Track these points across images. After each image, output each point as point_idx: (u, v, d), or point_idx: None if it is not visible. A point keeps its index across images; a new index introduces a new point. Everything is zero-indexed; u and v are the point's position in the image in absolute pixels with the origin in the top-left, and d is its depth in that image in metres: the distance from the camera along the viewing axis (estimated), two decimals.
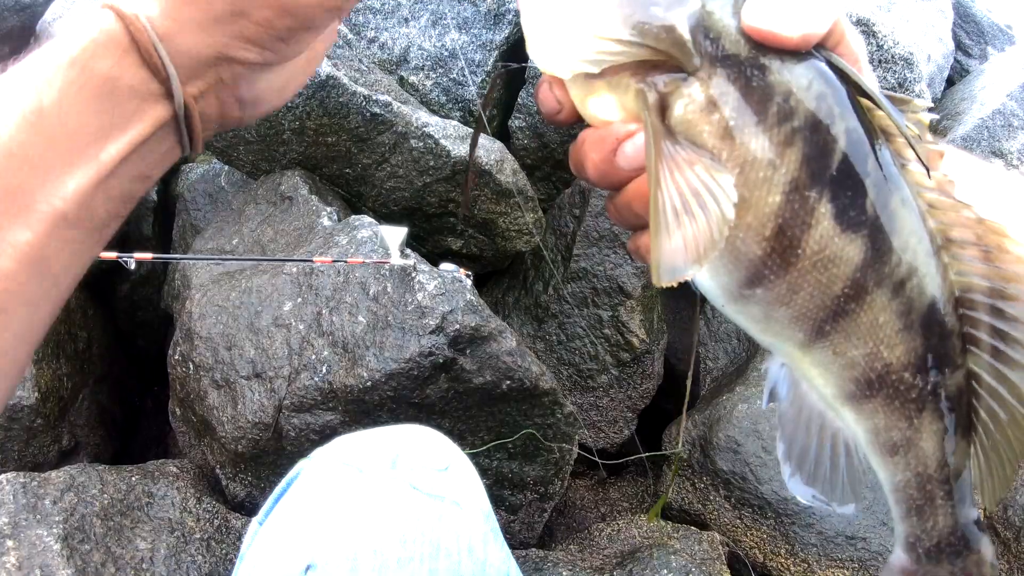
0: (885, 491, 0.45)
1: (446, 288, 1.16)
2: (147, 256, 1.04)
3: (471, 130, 1.59)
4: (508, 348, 1.16)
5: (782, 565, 1.40)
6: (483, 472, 1.29)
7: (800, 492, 0.45)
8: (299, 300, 1.28)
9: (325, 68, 1.49)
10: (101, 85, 0.39)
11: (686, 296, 1.97)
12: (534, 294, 1.73)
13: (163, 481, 1.26)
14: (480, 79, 1.87)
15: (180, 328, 1.39)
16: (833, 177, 0.35)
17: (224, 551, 1.21)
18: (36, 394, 1.41)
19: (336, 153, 1.58)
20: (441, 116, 1.81)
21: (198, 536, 1.20)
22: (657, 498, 1.53)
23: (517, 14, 1.90)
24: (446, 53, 1.88)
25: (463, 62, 1.87)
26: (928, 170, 0.36)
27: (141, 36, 0.38)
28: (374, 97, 1.52)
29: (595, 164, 0.40)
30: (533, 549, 1.33)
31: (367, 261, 1.16)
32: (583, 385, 1.68)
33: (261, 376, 1.25)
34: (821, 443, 0.44)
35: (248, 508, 1.33)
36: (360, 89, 1.52)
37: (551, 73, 0.39)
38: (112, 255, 1.03)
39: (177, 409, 1.42)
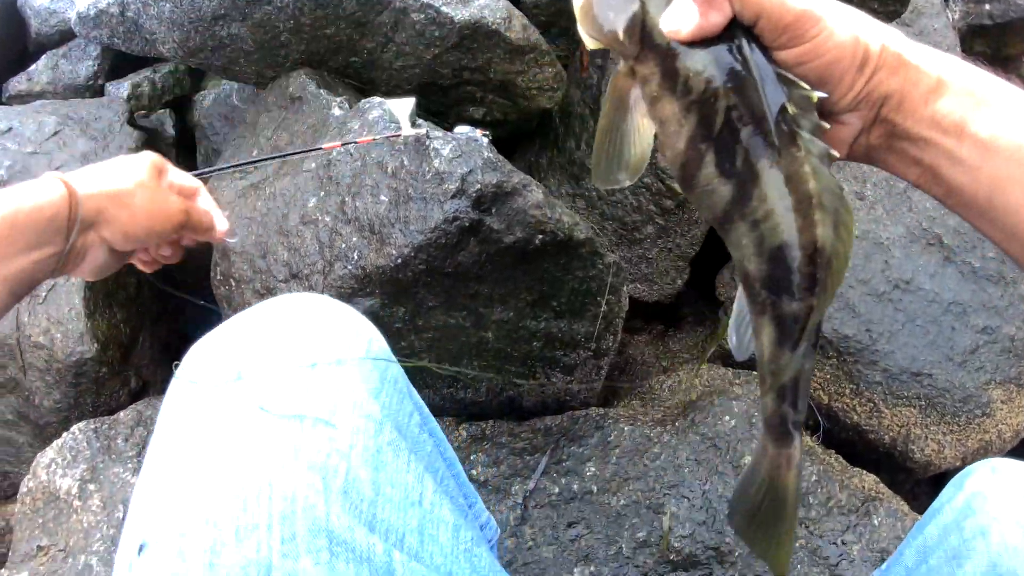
0: None
1: (462, 150, 1.13)
2: None
3: None
4: (535, 201, 1.14)
5: (847, 406, 1.38)
6: (531, 334, 1.29)
7: (732, 340, 0.60)
8: (321, 194, 1.28)
9: None
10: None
11: None
12: (567, 152, 1.68)
13: None
14: None
15: (216, 248, 1.42)
16: (716, 138, 0.49)
17: None
18: (95, 345, 1.48)
19: (338, 44, 1.54)
20: None
21: None
22: (718, 345, 1.52)
23: None
24: None
25: None
26: (774, 143, 0.48)
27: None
28: None
29: None
30: (593, 408, 1.34)
31: (376, 138, 1.14)
32: (629, 238, 1.65)
33: (297, 276, 1.27)
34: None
35: None
36: None
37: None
38: None
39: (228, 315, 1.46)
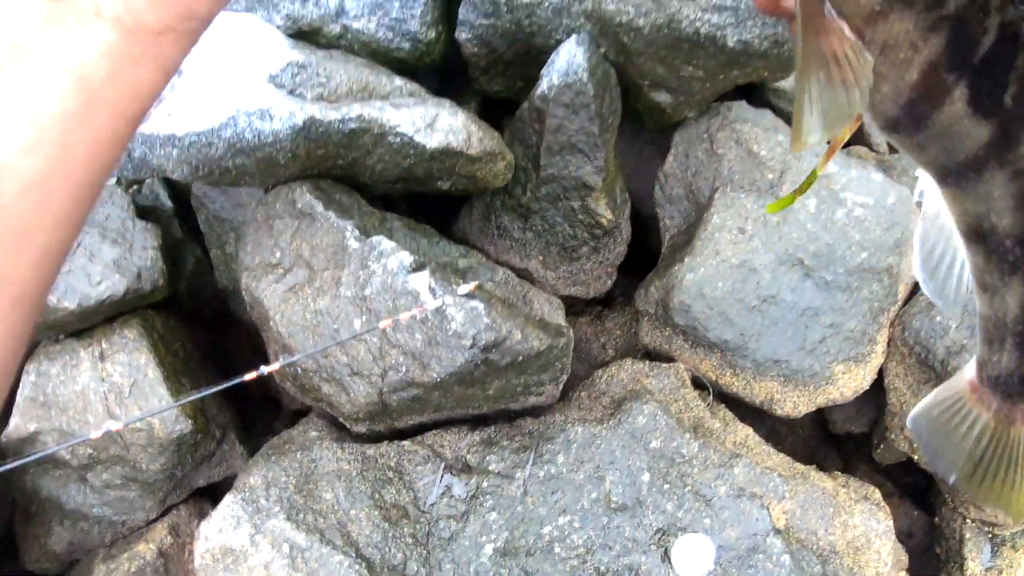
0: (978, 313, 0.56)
1: (470, 317, 1.80)
2: (276, 366, 1.67)
3: (443, 110, 1.99)
4: (517, 341, 1.85)
5: (729, 383, 2.22)
6: (513, 386, 2.06)
7: (920, 278, 0.57)
8: (364, 319, 1.93)
9: (304, 111, 1.88)
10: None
11: (643, 135, 2.48)
12: (515, 196, 2.28)
13: (315, 447, 2.07)
14: (417, 12, 2.14)
15: (275, 341, 2.06)
16: (976, 65, 0.41)
17: (372, 475, 2.07)
18: (190, 422, 2.14)
19: (328, 158, 2.03)
20: (391, 52, 2.17)
21: (354, 473, 2.05)
22: (637, 340, 2.31)
23: None
24: None
25: (399, 1, 2.12)
26: None
27: None
28: (348, 116, 1.93)
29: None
30: (559, 414, 2.16)
31: (414, 313, 1.78)
32: (569, 257, 2.34)
33: (359, 374, 1.97)
34: (945, 250, 0.55)
35: (369, 437, 2.15)
36: (333, 115, 1.92)
37: None
38: (253, 374, 1.67)
39: (289, 384, 2.15)
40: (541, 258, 2.34)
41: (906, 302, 2.37)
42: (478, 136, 2.04)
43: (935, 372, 2.26)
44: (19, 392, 2.15)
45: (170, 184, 2.48)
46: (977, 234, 0.49)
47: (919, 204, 0.56)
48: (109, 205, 2.27)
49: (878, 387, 2.37)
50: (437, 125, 1.99)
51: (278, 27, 2.23)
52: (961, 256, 0.55)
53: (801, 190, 0.62)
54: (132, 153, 2.06)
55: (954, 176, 0.47)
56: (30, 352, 2.21)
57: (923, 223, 0.57)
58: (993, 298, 0.52)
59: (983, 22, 0.40)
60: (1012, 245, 0.47)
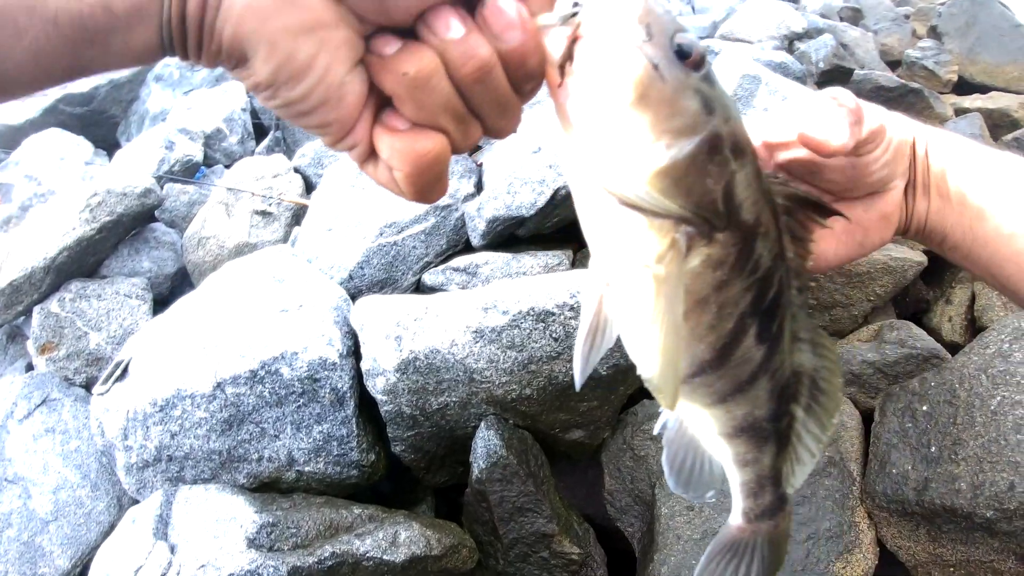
0: (733, 486, 0.78)
1: None
2: None
3: (400, 526, 2.51)
4: None
5: None
6: None
7: (675, 489, 0.79)
8: None
9: (286, 564, 2.38)
10: None
11: (579, 465, 3.02)
12: (491, 567, 2.75)
13: None
14: (353, 444, 2.75)
15: None
16: (765, 309, 0.61)
17: None
18: None
19: None
20: (343, 481, 2.73)
21: None
22: None
23: (351, 392, 2.76)
24: (320, 442, 2.74)
25: (336, 441, 2.74)
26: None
27: None
28: (323, 557, 2.44)
29: None
30: None
31: None
32: None
33: None
34: (694, 459, 0.77)
35: None
36: (311, 559, 2.43)
37: (609, 188, 0.55)
38: None
39: None
40: None
41: (863, 475, 2.75)
42: (436, 537, 2.56)
43: (918, 514, 2.58)
44: None
45: None
46: (742, 429, 0.72)
47: (660, 435, 0.79)
48: None
49: (884, 551, 2.66)
50: (399, 541, 2.51)
51: (242, 484, 2.81)
52: (706, 463, 0.78)
53: None
54: None
55: (735, 394, 0.66)
56: None
57: (669, 447, 0.78)
58: (754, 466, 0.76)
59: (772, 278, 0.61)
60: (767, 423, 0.71)
